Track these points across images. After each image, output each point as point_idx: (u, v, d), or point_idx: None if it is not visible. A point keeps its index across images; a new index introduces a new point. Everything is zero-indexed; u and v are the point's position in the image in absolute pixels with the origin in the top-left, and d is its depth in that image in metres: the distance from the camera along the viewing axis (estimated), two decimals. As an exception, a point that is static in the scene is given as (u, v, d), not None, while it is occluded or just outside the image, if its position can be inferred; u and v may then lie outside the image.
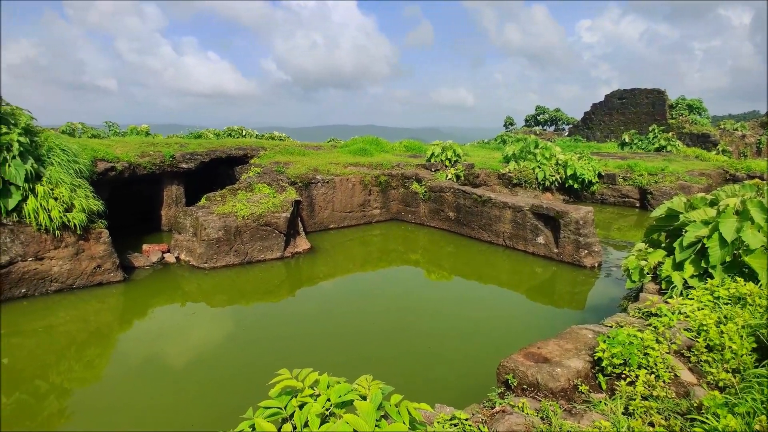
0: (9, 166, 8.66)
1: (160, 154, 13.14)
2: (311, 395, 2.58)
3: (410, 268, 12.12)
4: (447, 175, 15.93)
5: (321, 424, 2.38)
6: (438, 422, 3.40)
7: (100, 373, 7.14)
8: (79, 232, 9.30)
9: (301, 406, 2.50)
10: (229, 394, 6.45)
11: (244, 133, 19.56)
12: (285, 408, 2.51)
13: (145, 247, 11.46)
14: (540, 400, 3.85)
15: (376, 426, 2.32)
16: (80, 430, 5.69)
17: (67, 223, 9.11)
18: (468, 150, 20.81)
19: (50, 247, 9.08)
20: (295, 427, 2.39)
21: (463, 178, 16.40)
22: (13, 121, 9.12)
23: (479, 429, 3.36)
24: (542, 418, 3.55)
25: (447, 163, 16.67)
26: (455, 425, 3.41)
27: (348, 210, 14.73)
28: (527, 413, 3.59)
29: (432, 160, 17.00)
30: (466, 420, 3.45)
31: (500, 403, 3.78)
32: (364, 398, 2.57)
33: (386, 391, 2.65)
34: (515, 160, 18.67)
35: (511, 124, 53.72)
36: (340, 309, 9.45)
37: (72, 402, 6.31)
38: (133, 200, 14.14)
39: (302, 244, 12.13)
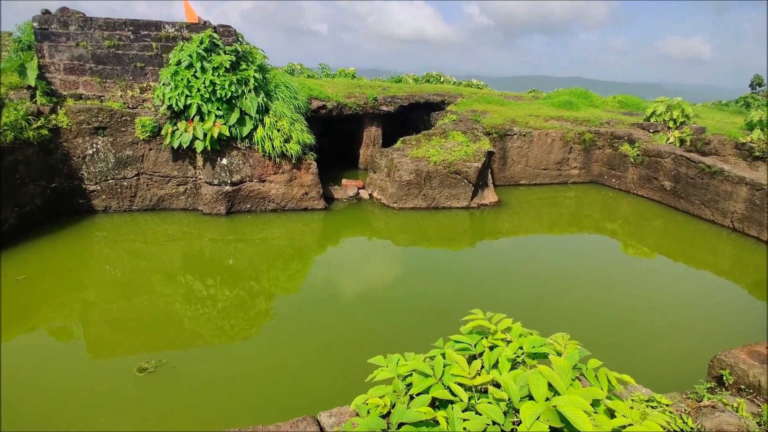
0: (245, 98, 10.01)
1: (364, 95, 13.88)
2: (503, 339, 2.45)
3: (604, 237, 10.91)
4: (668, 138, 13.64)
5: (510, 369, 2.34)
6: (633, 400, 3.09)
7: (298, 285, 8.10)
8: (293, 161, 10.44)
9: (491, 348, 2.41)
10: (407, 323, 6.71)
11: (442, 80, 19.50)
12: (474, 346, 2.53)
13: (343, 181, 12.44)
14: (760, 405, 3.48)
15: (570, 385, 2.13)
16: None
17: (285, 152, 10.28)
18: (699, 111, 17.45)
19: (271, 171, 10.41)
20: (483, 366, 2.28)
21: (688, 143, 13.86)
22: (251, 59, 10.44)
23: (681, 418, 3.10)
24: (759, 424, 3.19)
25: (671, 124, 14.23)
26: (653, 407, 3.04)
27: (542, 167, 13.77)
28: (742, 415, 3.24)
29: (652, 120, 14.70)
30: (667, 405, 3.06)
31: (709, 398, 3.49)
32: (558, 354, 2.48)
33: (583, 353, 2.51)
34: (761, 128, 15.03)
35: (759, 85, 43.48)
36: (520, 268, 9.01)
37: (275, 305, 7.28)
38: (336, 137, 15.34)
39: (489, 196, 11.79)
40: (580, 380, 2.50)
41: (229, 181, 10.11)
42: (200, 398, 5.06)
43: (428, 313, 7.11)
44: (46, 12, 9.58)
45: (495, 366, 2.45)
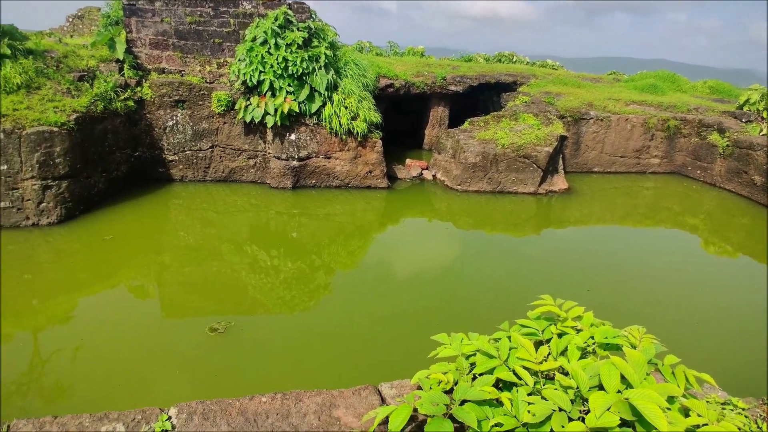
0: (316, 75, 10.12)
1: (432, 74, 13.65)
2: (573, 327, 2.34)
3: (682, 233, 10.20)
4: (762, 129, 12.44)
5: (580, 358, 2.26)
6: (708, 401, 2.93)
7: (357, 262, 8.20)
8: (359, 139, 10.48)
9: (560, 335, 2.32)
10: (465, 305, 6.63)
11: (514, 60, 18.76)
12: (542, 332, 2.42)
13: (407, 161, 12.37)
14: (838, 414, 3.21)
15: (644, 379, 2.05)
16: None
17: (351, 130, 10.34)
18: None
19: (336, 148, 10.53)
20: (550, 353, 2.19)
21: (787, 134, 12.59)
22: (322, 36, 10.51)
23: (756, 423, 2.96)
24: (835, 433, 2.92)
25: (765, 114, 12.97)
26: (731, 410, 2.89)
27: (619, 154, 13.00)
28: (817, 423, 3.00)
29: (745, 108, 13.46)
30: (743, 409, 2.91)
31: None
32: (633, 347, 2.37)
33: (659, 348, 2.41)
34: None
35: None
36: (588, 259, 8.61)
37: (334, 279, 7.41)
38: (402, 116, 15.22)
39: (559, 183, 11.32)
40: (654, 376, 2.40)
41: (296, 157, 10.34)
42: (265, 360, 5.29)
43: (488, 297, 6.99)
44: (135, -11, 10.09)
45: (563, 353, 2.38)
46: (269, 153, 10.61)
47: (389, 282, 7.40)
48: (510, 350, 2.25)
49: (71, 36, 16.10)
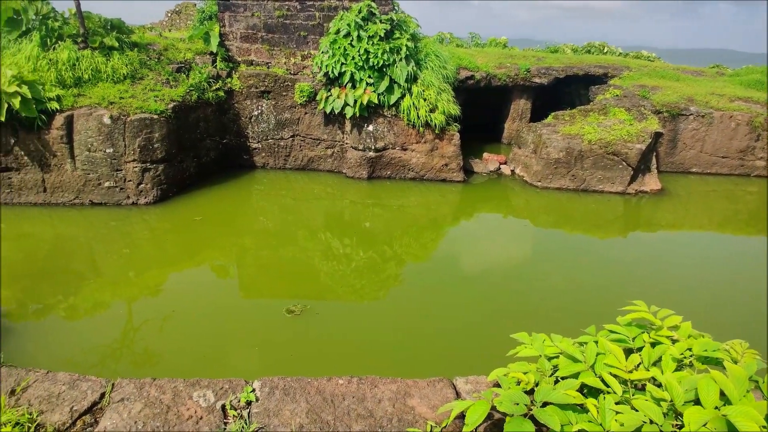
0: (396, 67, 10.14)
1: (515, 66, 13.21)
2: (668, 337, 2.19)
3: (793, 243, 9.16)
4: None
5: (675, 370, 2.13)
6: None
7: (429, 255, 8.16)
8: (437, 131, 10.38)
9: (653, 344, 2.17)
10: (542, 305, 6.40)
11: (605, 50, 17.65)
12: (633, 340, 2.25)
13: (485, 155, 12.10)
14: None
15: (743, 396, 1.92)
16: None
17: (429, 122, 10.26)
18: None
19: (413, 140, 10.51)
20: (641, 362, 2.06)
21: None
22: (404, 28, 10.50)
23: None
24: None
25: None
26: None
27: (721, 154, 11.89)
28: None
29: None
30: None
31: None
32: (734, 362, 2.22)
33: (760, 365, 2.26)
34: None
35: None
36: (679, 267, 7.97)
37: (404, 271, 7.42)
38: (481, 109, 14.85)
39: (651, 182, 10.55)
40: (752, 393, 2.25)
41: (373, 147, 10.44)
42: (339, 344, 5.42)
43: (566, 299, 6.68)
44: (229, -16, 10.62)
45: (655, 364, 2.24)
46: (347, 143, 10.81)
47: (461, 277, 7.29)
48: (597, 356, 2.13)
49: (169, 30, 17.30)
